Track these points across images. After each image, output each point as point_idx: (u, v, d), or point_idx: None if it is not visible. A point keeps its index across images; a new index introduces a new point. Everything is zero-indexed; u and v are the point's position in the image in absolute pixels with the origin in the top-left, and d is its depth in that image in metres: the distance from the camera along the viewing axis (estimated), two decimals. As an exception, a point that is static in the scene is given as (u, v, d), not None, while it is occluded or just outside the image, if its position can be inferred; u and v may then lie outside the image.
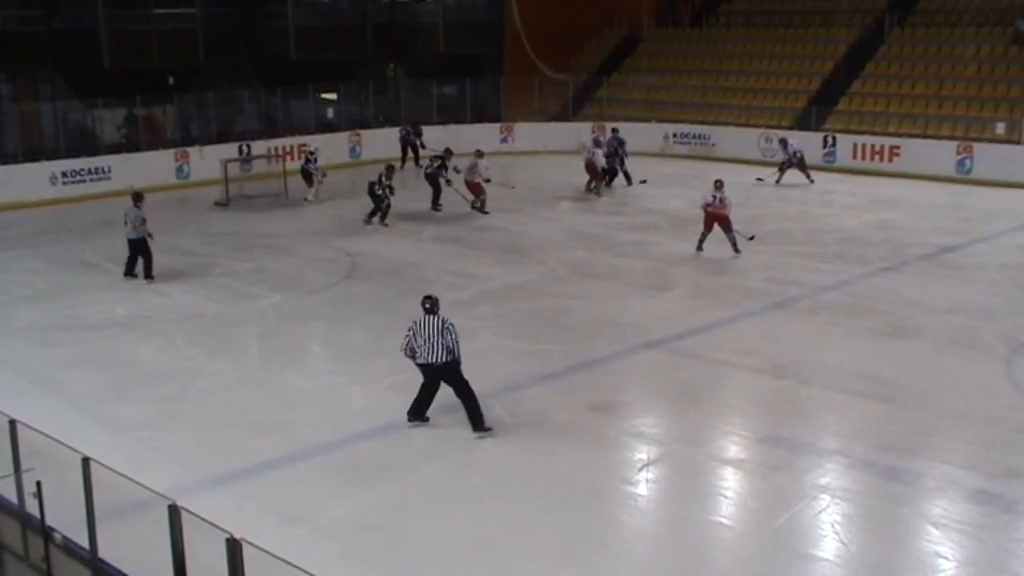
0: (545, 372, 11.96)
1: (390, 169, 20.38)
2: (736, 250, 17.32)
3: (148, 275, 16.22)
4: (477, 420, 10.05)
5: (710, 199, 17.30)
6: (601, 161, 23.28)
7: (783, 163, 24.31)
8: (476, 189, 21.32)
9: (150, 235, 16.16)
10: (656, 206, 21.58)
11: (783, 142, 24.70)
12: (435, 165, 21.73)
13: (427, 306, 10.08)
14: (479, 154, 21.60)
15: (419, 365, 10.05)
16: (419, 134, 27.24)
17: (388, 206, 20.02)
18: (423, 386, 10.18)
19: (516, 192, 23.24)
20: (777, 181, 24.14)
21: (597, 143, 25.30)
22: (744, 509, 8.88)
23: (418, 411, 10.27)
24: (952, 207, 21.30)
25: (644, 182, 24.20)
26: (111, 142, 26.69)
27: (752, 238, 17.79)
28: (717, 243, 18.10)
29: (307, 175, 22.90)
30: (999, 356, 12.33)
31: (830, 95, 28.03)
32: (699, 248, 17.52)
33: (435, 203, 21.62)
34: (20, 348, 13.22)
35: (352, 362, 12.64)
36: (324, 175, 23.15)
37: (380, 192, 19.83)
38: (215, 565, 5.75)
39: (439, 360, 9.92)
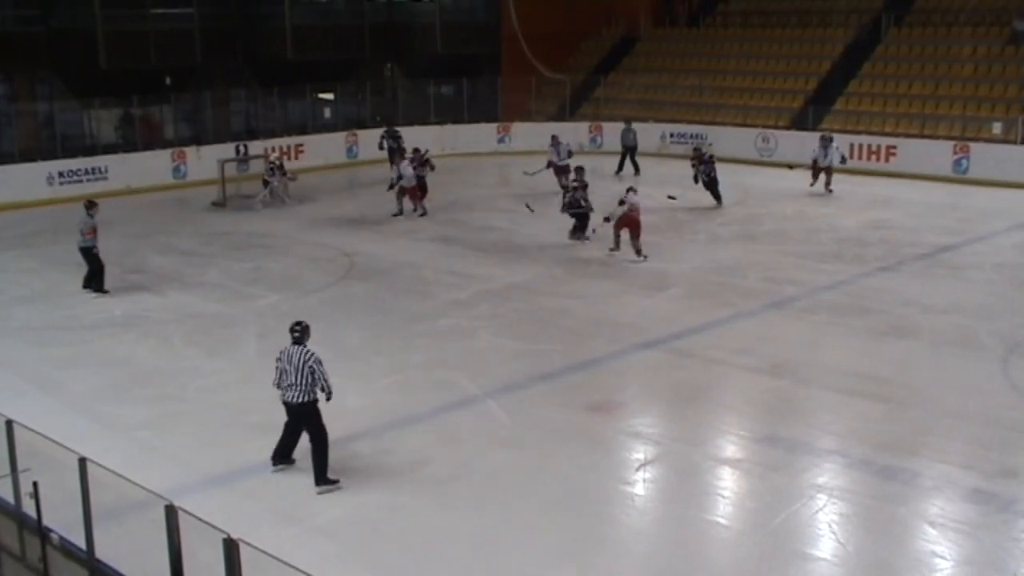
0: (543, 372, 11.96)
1: (580, 171, 18.63)
2: (640, 255, 17.09)
3: (99, 287, 15.40)
4: (320, 473, 8.96)
5: (637, 201, 17.25)
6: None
7: (816, 164, 22.70)
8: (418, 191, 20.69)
9: (95, 247, 15.37)
10: (653, 206, 21.54)
11: (826, 140, 22.88)
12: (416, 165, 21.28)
13: (296, 334, 9.01)
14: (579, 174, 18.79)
15: (282, 402, 9.09)
16: (399, 138, 25.47)
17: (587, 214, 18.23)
18: (286, 425, 9.22)
19: (513, 192, 23.25)
20: (814, 184, 22.72)
21: (556, 143, 23.01)
22: (741, 509, 8.88)
23: (282, 453, 9.30)
24: (949, 207, 21.32)
25: (673, 198, 20.95)
26: (108, 142, 26.66)
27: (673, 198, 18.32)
28: (717, 243, 18.12)
29: (265, 182, 22.80)
30: (996, 355, 12.34)
31: (827, 95, 28.05)
32: (615, 248, 17.47)
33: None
34: (17, 348, 13.21)
35: (349, 362, 12.61)
36: (291, 179, 22.88)
37: (583, 203, 18.24)
38: (212, 565, 5.75)
39: (294, 400, 8.93)
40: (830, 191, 22.73)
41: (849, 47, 29.15)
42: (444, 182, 24.59)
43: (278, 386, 9.05)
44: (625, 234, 17.12)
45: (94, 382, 11.92)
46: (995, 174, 23.34)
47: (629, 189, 17.52)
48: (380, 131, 26.62)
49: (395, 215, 20.83)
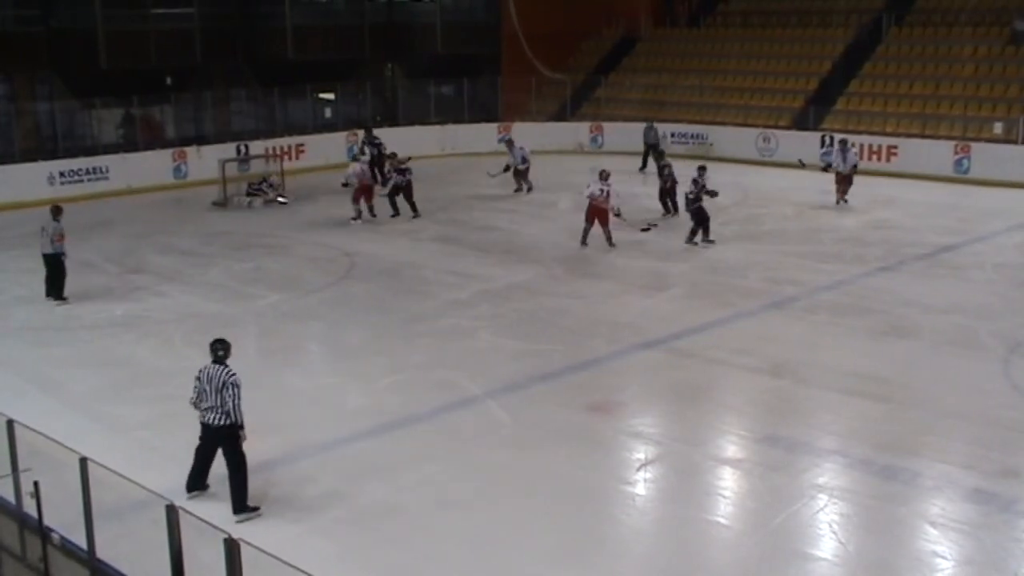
0: (543, 372, 11.96)
1: (702, 170, 18.12)
2: (611, 243, 17.61)
3: (59, 295, 15.03)
4: (239, 500, 8.48)
5: (597, 192, 17.41)
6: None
7: (837, 172, 21.41)
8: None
9: (64, 253, 15.05)
10: (654, 206, 21.54)
11: (844, 144, 21.92)
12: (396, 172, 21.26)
13: (219, 353, 8.61)
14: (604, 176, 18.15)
15: (200, 423, 8.62)
16: (380, 144, 24.22)
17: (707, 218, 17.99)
18: (197, 449, 8.69)
19: (517, 192, 23.26)
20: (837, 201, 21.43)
21: (511, 147, 23.46)
22: (742, 509, 8.88)
23: (195, 479, 8.77)
24: (950, 207, 21.30)
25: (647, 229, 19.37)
26: (109, 142, 26.67)
27: (647, 229, 18.37)
28: (718, 243, 18.10)
29: (252, 192, 22.90)
30: (996, 355, 12.34)
31: (828, 95, 28.05)
32: (584, 243, 17.74)
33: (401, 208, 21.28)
34: (18, 348, 13.21)
35: (350, 362, 12.64)
36: (282, 200, 22.89)
37: (696, 197, 17.87)
38: (213, 565, 5.75)
39: (213, 422, 8.47)
40: (845, 202, 21.31)
41: (850, 47, 29.13)
42: (444, 182, 24.62)
43: (196, 406, 8.57)
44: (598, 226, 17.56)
45: (94, 382, 11.92)
46: (996, 174, 23.32)
47: (603, 172, 17.84)
48: (380, 131, 26.56)
49: (393, 216, 20.86)
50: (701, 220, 17.92)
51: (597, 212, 17.56)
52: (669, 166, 20.51)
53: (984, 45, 26.75)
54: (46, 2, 27.12)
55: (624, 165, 25.14)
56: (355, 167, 21.14)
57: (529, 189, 23.31)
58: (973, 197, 22.29)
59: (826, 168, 22.26)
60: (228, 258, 17.90)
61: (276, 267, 17.26)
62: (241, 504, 8.47)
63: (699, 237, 17.96)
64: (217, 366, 8.52)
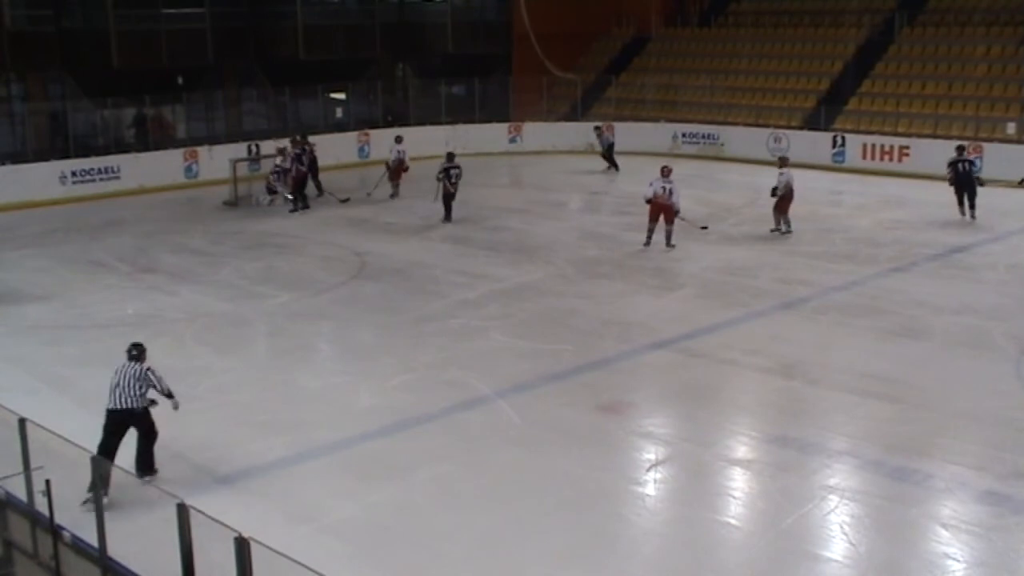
0: (553, 372, 11.95)
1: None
2: (670, 243, 17.51)
3: None
4: (146, 464, 9.13)
5: (660, 189, 17.33)
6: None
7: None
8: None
9: None
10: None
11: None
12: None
13: (134, 353, 9.22)
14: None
15: (108, 410, 9.04)
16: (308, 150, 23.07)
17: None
18: (106, 431, 8.96)
19: (524, 192, 23.25)
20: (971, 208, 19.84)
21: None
22: (752, 510, 8.85)
23: (148, 464, 9.22)
24: (960, 219, 21.16)
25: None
26: (121, 142, 26.77)
27: (705, 228, 18.27)
28: (728, 243, 18.07)
29: (269, 189, 23.03)
30: (1009, 356, 12.28)
31: (839, 95, 27.97)
32: (647, 243, 17.64)
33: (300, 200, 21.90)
34: (29, 347, 13.26)
35: (360, 361, 12.65)
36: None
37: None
38: (223, 563, 5.77)
39: (124, 406, 8.97)
40: (972, 218, 19.66)
41: (862, 47, 29.04)
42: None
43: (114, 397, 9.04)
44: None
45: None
46: (1009, 174, 23.18)
47: (665, 168, 17.82)
48: (391, 130, 26.57)
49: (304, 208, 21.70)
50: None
51: (661, 209, 17.43)
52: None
53: (997, 45, 26.62)
54: (58, 2, 27.22)
55: (630, 166, 25.13)
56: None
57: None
58: (986, 197, 22.14)
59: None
60: (239, 257, 17.95)
61: (287, 266, 17.30)
62: (148, 467, 9.10)
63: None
64: (133, 363, 9.13)
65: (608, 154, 26.73)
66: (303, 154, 22.27)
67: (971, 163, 20.27)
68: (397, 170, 23.27)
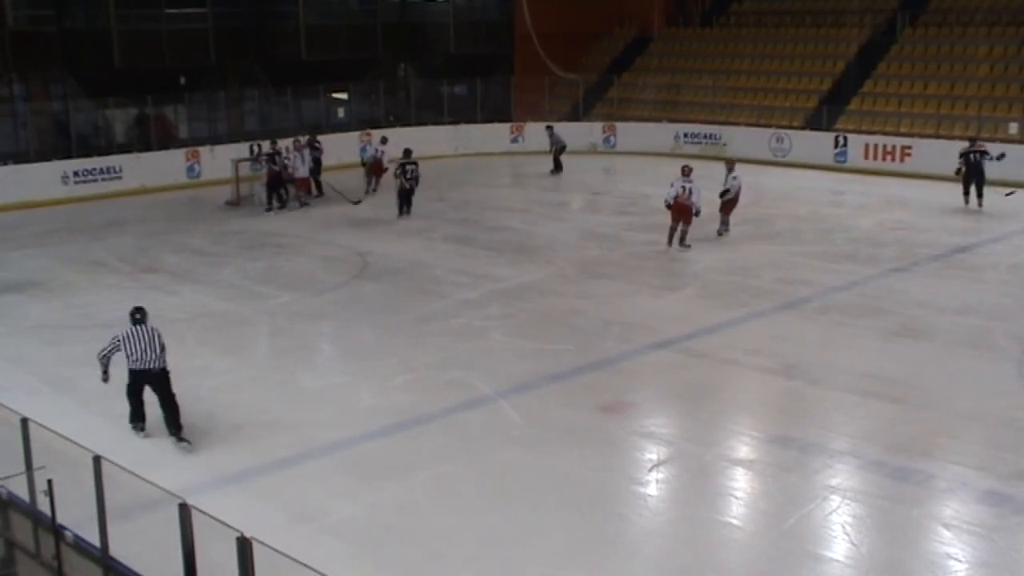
0: (555, 372, 11.94)
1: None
2: (684, 243, 17.48)
3: None
4: (177, 426, 10.02)
5: (680, 189, 17.30)
6: None
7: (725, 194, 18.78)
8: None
9: None
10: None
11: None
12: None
13: (137, 316, 10.12)
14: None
15: (132, 371, 9.98)
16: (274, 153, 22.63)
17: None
18: (131, 390, 10.11)
19: (526, 192, 23.26)
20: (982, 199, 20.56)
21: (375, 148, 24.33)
22: (754, 510, 8.85)
23: (141, 416, 10.19)
24: (965, 208, 21.19)
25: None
26: (122, 142, 26.79)
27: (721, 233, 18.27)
28: (730, 243, 18.06)
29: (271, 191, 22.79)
30: (1011, 357, 12.27)
31: (841, 95, 27.97)
32: (670, 243, 17.58)
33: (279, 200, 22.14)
34: (31, 347, 13.27)
35: (361, 361, 12.65)
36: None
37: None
38: (225, 563, 5.77)
39: (156, 366, 9.96)
40: (977, 205, 20.64)
41: (864, 47, 29.04)
42: (457, 182, 24.63)
43: (106, 362, 10.11)
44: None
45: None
46: (1010, 175, 23.16)
47: (685, 168, 17.78)
48: (393, 130, 26.57)
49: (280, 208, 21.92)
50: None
51: (681, 210, 17.37)
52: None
53: (999, 45, 26.61)
54: (60, 2, 27.24)
55: (632, 166, 25.14)
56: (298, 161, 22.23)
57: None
58: (988, 197, 22.14)
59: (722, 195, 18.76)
60: (240, 257, 17.95)
61: (288, 267, 17.30)
62: (178, 428, 10.01)
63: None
64: (140, 326, 10.06)
65: (557, 155, 26.41)
66: (276, 154, 22.36)
67: (983, 153, 20.71)
68: (376, 169, 23.50)
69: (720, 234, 18.62)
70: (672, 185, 17.49)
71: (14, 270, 17.16)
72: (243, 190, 23.02)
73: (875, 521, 8.47)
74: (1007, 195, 21.32)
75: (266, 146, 22.87)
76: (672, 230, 17.57)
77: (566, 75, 32.19)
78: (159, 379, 10.03)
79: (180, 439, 9.97)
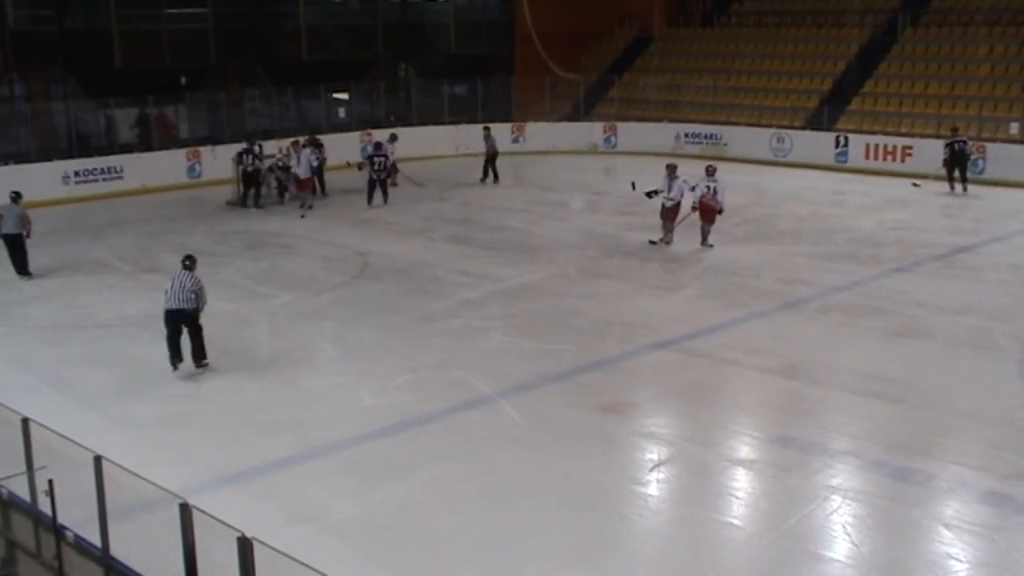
0: (555, 372, 11.95)
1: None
2: (705, 242, 17.58)
3: (26, 271, 16.63)
4: (201, 355, 11.97)
5: (704, 189, 17.36)
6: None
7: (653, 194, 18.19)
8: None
9: (28, 234, 16.57)
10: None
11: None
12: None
13: (186, 263, 11.91)
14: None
15: (165, 310, 11.77)
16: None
17: None
18: (166, 331, 11.83)
19: (527, 192, 23.26)
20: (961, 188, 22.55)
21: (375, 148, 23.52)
22: (755, 510, 8.85)
23: (176, 354, 11.83)
24: (965, 207, 21.20)
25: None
26: (123, 142, 26.79)
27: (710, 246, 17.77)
28: (731, 243, 18.06)
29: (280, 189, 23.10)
30: (1011, 357, 12.27)
31: (842, 95, 27.97)
32: (705, 243, 17.68)
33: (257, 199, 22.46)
34: (31, 346, 13.28)
35: (362, 361, 12.65)
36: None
37: None
38: (226, 563, 5.77)
39: (179, 307, 11.68)
40: (955, 190, 22.60)
41: (864, 47, 29.04)
42: (458, 182, 24.63)
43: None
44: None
45: (108, 381, 11.97)
46: (1012, 174, 23.20)
47: (710, 167, 17.84)
48: (393, 130, 26.56)
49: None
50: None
51: (706, 209, 17.53)
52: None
53: (1000, 45, 26.61)
54: (61, 2, 27.25)
55: (633, 166, 25.12)
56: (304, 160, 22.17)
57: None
58: (988, 198, 22.17)
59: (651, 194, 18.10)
60: (242, 257, 17.96)
61: (289, 267, 17.31)
62: (203, 354, 11.98)
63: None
64: (186, 272, 11.79)
65: (489, 162, 25.06)
66: (246, 153, 22.50)
67: (964, 142, 22.75)
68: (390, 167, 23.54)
69: (653, 242, 17.75)
70: (696, 186, 17.59)
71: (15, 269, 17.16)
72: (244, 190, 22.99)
73: (876, 521, 8.47)
74: (914, 185, 22.86)
75: (271, 147, 22.94)
76: (704, 231, 17.72)
77: (567, 75, 32.19)
78: (184, 318, 11.74)
79: (198, 366, 11.92)
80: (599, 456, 9.73)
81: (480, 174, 25.22)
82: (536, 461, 9.61)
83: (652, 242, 17.93)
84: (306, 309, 14.78)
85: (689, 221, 17.89)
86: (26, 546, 8.01)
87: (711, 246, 17.69)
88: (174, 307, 11.65)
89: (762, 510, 8.84)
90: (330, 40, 31.23)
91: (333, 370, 12.64)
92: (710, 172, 17.73)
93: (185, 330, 11.80)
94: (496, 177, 25.10)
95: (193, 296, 11.64)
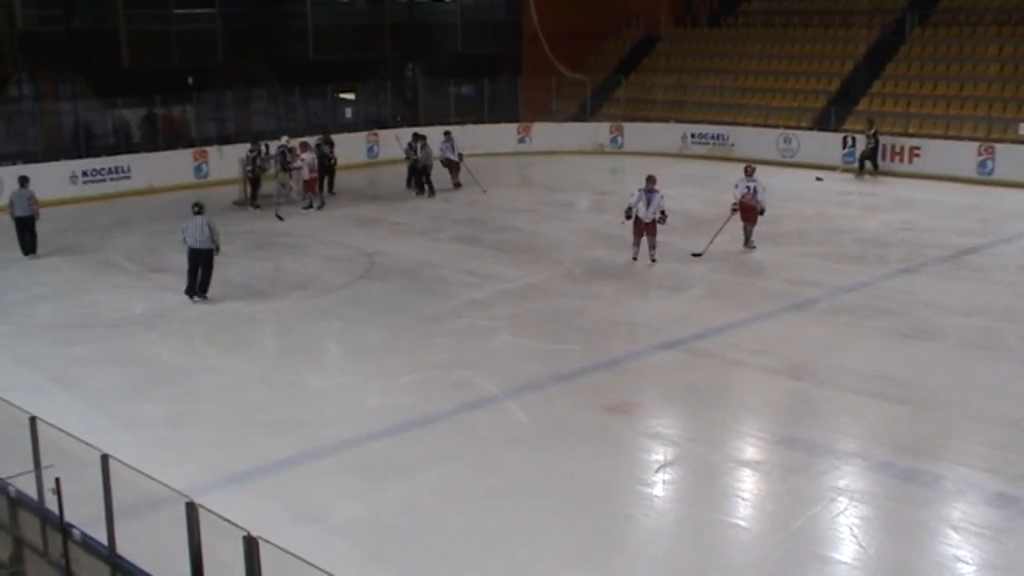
0: (561, 372, 11.94)
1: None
2: (749, 243, 17.48)
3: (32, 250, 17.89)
4: (204, 287, 14.80)
5: (745, 189, 17.31)
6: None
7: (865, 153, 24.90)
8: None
9: (38, 215, 17.90)
10: (672, 206, 21.46)
11: (871, 123, 25.36)
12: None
13: (196, 210, 14.60)
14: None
15: (188, 248, 14.59)
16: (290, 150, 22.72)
17: None
18: (189, 266, 14.75)
19: (533, 192, 23.24)
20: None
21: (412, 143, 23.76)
22: (761, 511, 8.84)
23: (193, 287, 14.72)
24: (973, 208, 21.15)
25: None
26: (131, 142, 26.85)
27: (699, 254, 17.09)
28: (732, 244, 18.03)
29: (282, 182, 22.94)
30: (1019, 358, 12.24)
31: (850, 95, 27.89)
32: (748, 244, 17.58)
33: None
34: (38, 346, 13.31)
35: (368, 361, 12.66)
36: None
37: None
38: (232, 563, 5.77)
39: (202, 246, 14.50)
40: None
41: (872, 47, 28.97)
42: (464, 182, 24.63)
43: (184, 241, 14.65)
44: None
45: (114, 380, 11.99)
46: (1020, 176, 23.12)
47: (749, 168, 17.75)
48: (399, 130, 26.57)
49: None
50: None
51: (747, 210, 17.42)
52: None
53: (1009, 45, 26.52)
54: (69, 3, 27.29)
55: (639, 166, 25.08)
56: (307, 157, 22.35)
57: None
58: (997, 199, 22.10)
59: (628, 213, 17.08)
60: (248, 257, 17.98)
61: (295, 266, 17.33)
62: (205, 287, 14.78)
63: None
64: (199, 216, 14.54)
65: (424, 172, 23.50)
66: (257, 154, 22.63)
67: (876, 139, 25.07)
68: (451, 166, 24.05)
69: (635, 258, 16.89)
70: (736, 186, 17.54)
71: (22, 269, 17.22)
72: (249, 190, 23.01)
73: (883, 523, 8.44)
74: (817, 179, 24.06)
75: (276, 147, 22.95)
76: (747, 231, 17.63)
77: (573, 75, 32.18)
78: (201, 257, 14.60)
79: (203, 297, 14.73)
80: (605, 456, 9.72)
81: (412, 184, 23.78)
82: (541, 461, 9.61)
83: (634, 259, 16.89)
84: (312, 309, 14.79)
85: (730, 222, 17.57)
86: (33, 544, 8.03)
87: (754, 247, 17.55)
88: (196, 247, 14.44)
89: (768, 511, 8.82)
90: (337, 40, 31.21)
91: (339, 370, 12.65)
92: (749, 172, 17.59)
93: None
94: (429, 190, 23.35)
95: (208, 233, 14.31)
